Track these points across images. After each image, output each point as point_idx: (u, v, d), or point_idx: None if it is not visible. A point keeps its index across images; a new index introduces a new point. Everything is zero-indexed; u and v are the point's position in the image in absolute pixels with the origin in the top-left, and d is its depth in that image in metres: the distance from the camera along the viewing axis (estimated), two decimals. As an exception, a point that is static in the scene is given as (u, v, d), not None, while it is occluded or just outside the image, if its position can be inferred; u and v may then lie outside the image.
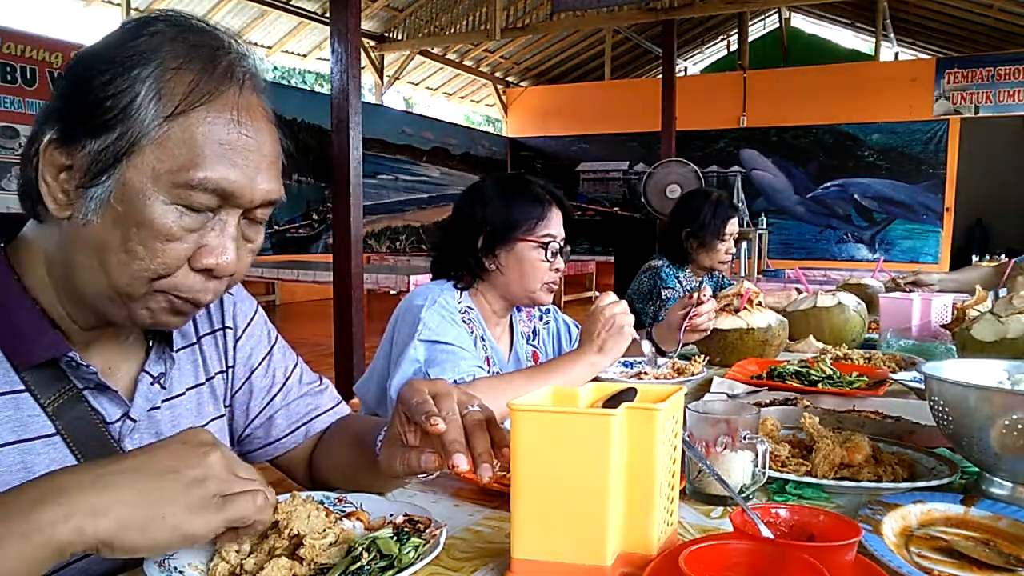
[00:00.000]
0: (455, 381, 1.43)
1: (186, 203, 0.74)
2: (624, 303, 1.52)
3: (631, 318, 1.51)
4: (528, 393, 0.81)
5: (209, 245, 0.76)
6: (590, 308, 1.54)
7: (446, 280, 1.71)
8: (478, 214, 1.67)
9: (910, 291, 2.81)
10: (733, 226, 2.89)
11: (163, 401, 0.91)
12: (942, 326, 2.14)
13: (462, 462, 0.77)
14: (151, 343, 0.91)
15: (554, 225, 1.68)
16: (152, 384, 0.89)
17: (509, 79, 14.76)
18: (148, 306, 0.78)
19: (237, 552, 0.73)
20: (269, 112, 0.81)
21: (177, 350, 0.93)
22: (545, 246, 1.66)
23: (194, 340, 0.98)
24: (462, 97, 14.70)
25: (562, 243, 1.70)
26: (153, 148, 0.72)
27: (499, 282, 1.69)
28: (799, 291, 2.67)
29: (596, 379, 1.54)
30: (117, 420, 0.85)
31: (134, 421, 0.86)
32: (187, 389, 0.95)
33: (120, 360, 0.88)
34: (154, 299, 0.77)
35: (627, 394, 0.79)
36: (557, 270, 1.69)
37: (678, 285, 2.82)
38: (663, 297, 2.74)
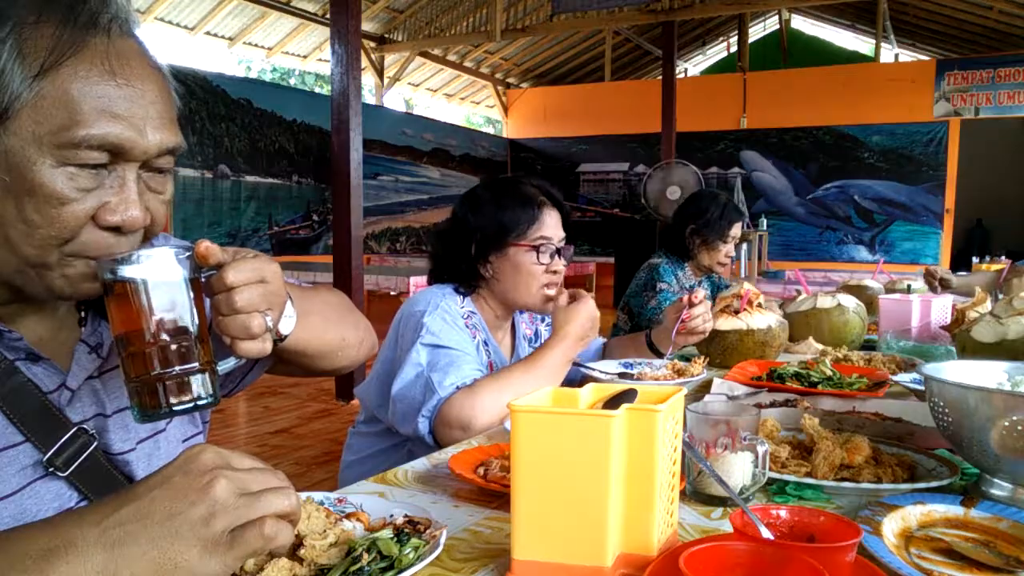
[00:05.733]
0: (457, 386, 1.43)
1: (75, 163, 0.71)
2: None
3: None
4: (530, 392, 0.81)
5: (111, 203, 0.74)
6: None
7: (447, 284, 1.70)
8: (471, 220, 1.67)
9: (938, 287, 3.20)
10: (737, 229, 2.93)
11: (100, 371, 0.88)
12: (942, 327, 2.14)
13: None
14: (83, 314, 0.87)
15: (548, 227, 1.66)
16: (90, 353, 0.85)
17: (509, 80, 14.76)
18: (64, 273, 0.75)
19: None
20: (149, 55, 0.77)
21: None
22: (537, 249, 1.64)
23: None
24: (462, 98, 14.70)
25: (560, 244, 1.68)
26: (28, 111, 0.69)
27: (497, 289, 1.68)
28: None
29: (594, 380, 1.55)
30: (55, 390, 0.82)
31: (72, 391, 0.83)
32: None
33: (53, 331, 0.85)
34: (70, 266, 0.75)
35: (627, 395, 0.79)
36: (555, 272, 1.66)
37: (674, 281, 2.84)
38: (657, 289, 2.76)
